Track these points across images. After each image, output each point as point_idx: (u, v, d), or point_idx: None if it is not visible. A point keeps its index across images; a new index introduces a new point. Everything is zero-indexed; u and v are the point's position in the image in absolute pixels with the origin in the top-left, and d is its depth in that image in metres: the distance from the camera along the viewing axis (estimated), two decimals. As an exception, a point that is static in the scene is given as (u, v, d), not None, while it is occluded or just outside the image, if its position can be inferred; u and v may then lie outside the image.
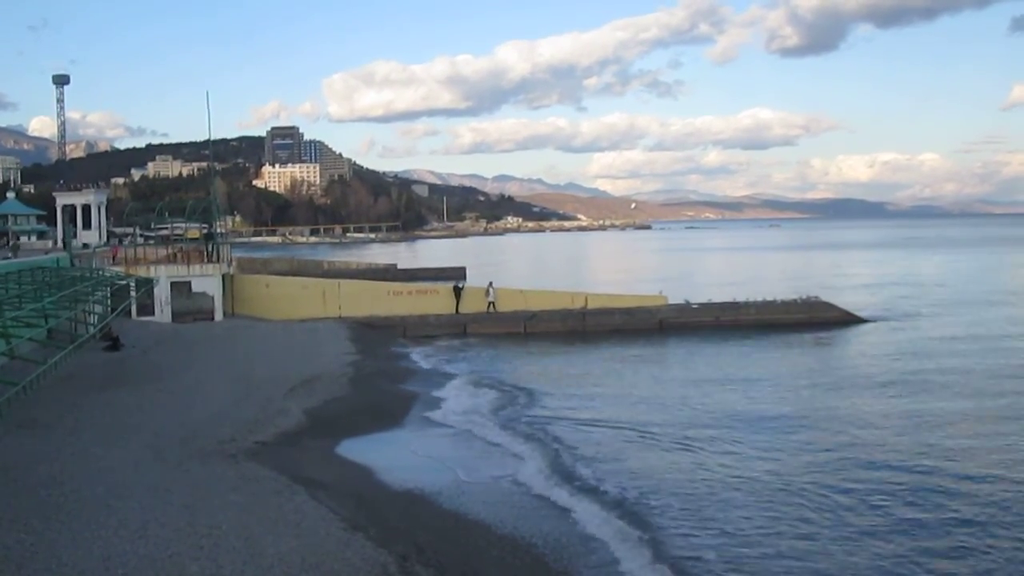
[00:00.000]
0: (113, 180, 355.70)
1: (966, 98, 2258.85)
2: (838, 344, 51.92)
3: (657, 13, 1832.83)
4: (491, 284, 58.83)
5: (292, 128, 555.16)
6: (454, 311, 57.35)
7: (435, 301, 58.71)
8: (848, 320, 57.65)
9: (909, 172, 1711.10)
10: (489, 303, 57.42)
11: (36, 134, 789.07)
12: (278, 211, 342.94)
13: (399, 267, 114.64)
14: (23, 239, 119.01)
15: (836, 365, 44.82)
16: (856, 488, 23.19)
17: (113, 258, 59.47)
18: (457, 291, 58.05)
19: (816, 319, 56.95)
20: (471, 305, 57.63)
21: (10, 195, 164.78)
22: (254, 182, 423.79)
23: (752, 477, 24.35)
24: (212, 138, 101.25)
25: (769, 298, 59.56)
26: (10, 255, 55.73)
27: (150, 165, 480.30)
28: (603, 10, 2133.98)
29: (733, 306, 58.46)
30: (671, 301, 59.31)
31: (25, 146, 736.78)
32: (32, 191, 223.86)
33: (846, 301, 62.66)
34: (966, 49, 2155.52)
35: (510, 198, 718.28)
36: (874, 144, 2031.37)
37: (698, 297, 61.85)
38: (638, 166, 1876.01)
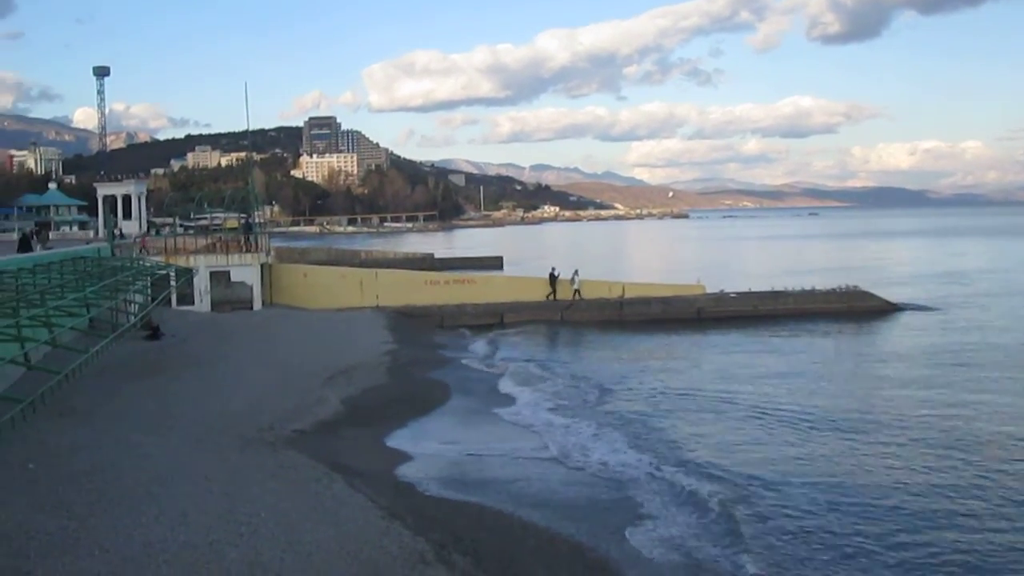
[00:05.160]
0: (153, 171, 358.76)
1: (1009, 85, 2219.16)
2: (878, 334, 51.50)
3: (698, 0, 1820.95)
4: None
5: (330, 118, 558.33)
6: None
7: (472, 290, 58.75)
8: (888, 310, 57.10)
9: (951, 160, 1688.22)
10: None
11: (80, 125, 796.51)
12: (316, 201, 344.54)
13: (436, 256, 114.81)
14: (63, 229, 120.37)
15: (878, 356, 44.55)
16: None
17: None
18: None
19: (855, 309, 56.52)
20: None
21: (52, 186, 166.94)
22: (292, 172, 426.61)
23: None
24: (251, 128, 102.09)
25: (808, 287, 59.17)
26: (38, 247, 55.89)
27: (189, 156, 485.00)
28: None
29: (772, 295, 58.08)
30: (708, 290, 59.03)
31: (67, 137, 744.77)
32: (73, 182, 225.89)
33: (886, 290, 62.05)
34: (1011, 35, 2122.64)
35: (547, 187, 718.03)
36: (915, 132, 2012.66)
37: (736, 286, 61.53)
38: (676, 155, 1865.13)
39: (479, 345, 48.18)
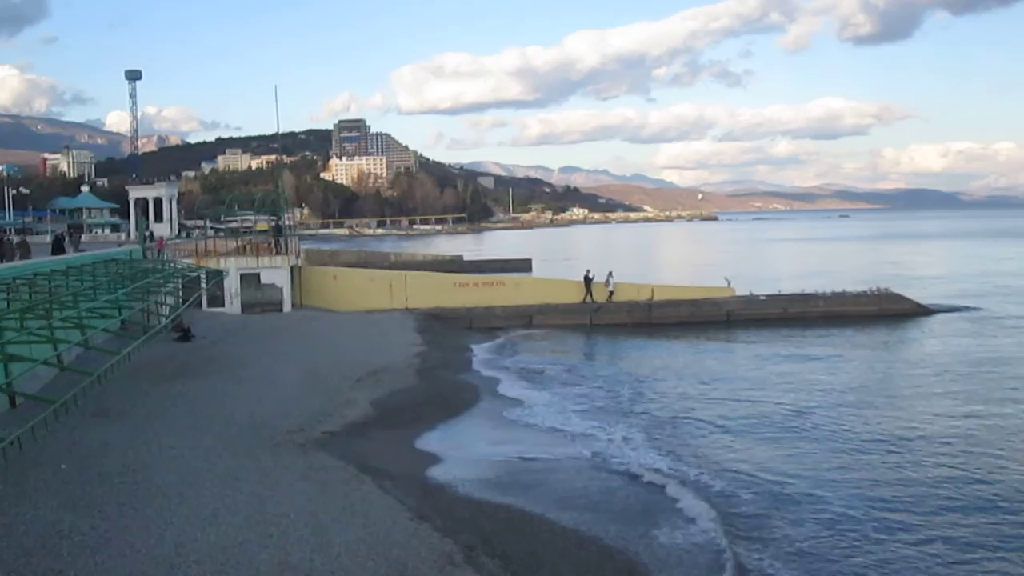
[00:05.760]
0: (184, 173, 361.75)
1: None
2: (910, 337, 51.02)
3: (728, 2, 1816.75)
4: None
5: (359, 121, 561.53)
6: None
7: (501, 292, 58.66)
8: (920, 312, 56.57)
9: (984, 161, 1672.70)
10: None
11: (112, 129, 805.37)
12: (345, 203, 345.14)
13: (465, 259, 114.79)
14: (96, 232, 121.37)
15: (910, 360, 44.17)
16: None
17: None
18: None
19: (887, 311, 55.98)
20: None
21: (84, 189, 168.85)
22: (321, 175, 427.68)
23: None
24: (281, 131, 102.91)
25: (838, 290, 58.75)
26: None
27: (220, 159, 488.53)
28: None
29: (802, 298, 57.68)
30: (738, 293, 58.62)
31: (99, 140, 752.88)
32: (105, 185, 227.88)
33: (918, 292, 61.49)
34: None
35: (576, 189, 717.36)
36: (948, 133, 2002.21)
37: (766, 288, 61.13)
38: (706, 157, 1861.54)
39: (508, 347, 48.20)
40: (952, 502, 21.59)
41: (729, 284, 58.50)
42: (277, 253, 58.49)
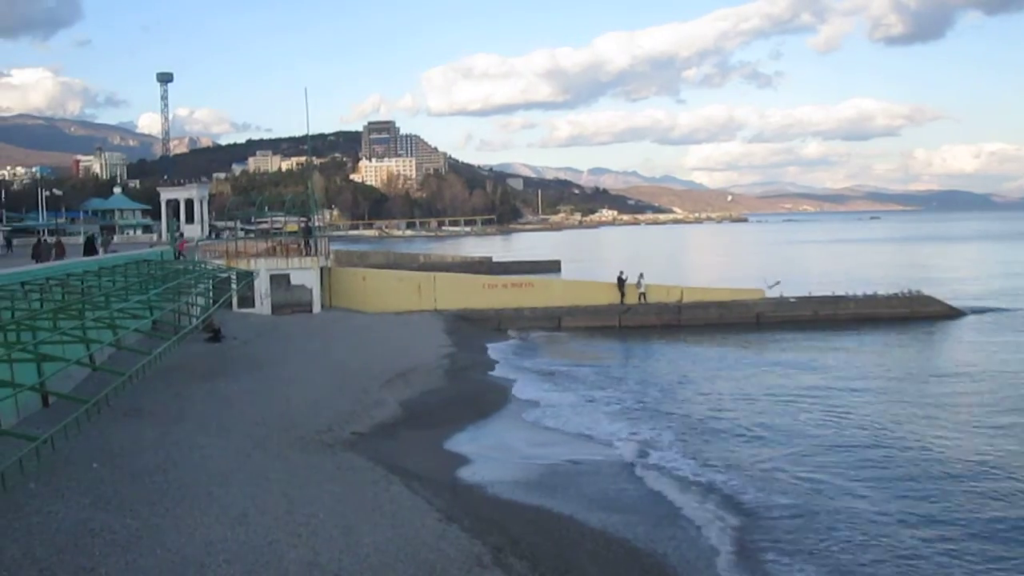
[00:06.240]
0: (215, 175, 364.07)
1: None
2: (941, 340, 50.56)
3: (758, 2, 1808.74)
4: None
5: (388, 123, 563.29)
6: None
7: (530, 294, 58.60)
8: (951, 314, 56.05)
9: (1017, 163, 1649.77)
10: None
11: (144, 131, 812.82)
12: (374, 205, 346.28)
13: (494, 260, 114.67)
14: (128, 233, 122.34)
15: (942, 365, 43.75)
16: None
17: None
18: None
19: (918, 313, 55.52)
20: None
21: (116, 190, 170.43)
22: (351, 176, 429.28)
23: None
24: (311, 133, 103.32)
25: (869, 292, 58.29)
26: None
27: (250, 160, 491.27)
28: (704, 0, 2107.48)
29: (832, 300, 57.30)
30: (768, 294, 58.29)
31: (131, 142, 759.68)
32: (137, 186, 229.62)
33: (949, 294, 60.93)
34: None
35: (605, 191, 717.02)
36: (980, 134, 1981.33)
37: (796, 290, 60.71)
38: (736, 158, 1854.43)
39: (537, 349, 48.19)
40: (992, 503, 21.40)
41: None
42: (307, 254, 58.73)
